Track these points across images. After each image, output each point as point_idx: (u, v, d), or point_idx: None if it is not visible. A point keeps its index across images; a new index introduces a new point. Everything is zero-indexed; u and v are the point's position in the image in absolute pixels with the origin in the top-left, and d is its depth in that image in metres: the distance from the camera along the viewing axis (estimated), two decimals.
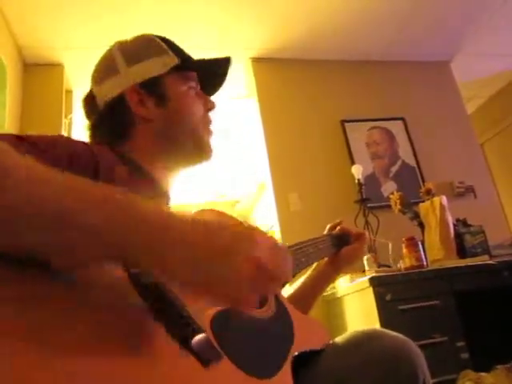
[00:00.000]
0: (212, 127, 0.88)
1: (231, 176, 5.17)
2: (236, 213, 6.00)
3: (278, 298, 0.77)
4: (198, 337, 0.44)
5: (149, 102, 0.80)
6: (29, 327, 0.36)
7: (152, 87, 0.80)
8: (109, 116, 0.80)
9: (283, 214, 2.84)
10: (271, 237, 0.51)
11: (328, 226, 1.16)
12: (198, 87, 0.88)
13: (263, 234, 0.49)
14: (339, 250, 1.08)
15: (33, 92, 2.89)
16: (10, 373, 0.33)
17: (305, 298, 1.05)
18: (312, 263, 1.02)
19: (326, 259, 1.09)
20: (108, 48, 0.87)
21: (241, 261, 0.44)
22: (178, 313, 0.45)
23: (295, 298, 1.03)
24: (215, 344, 0.49)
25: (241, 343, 0.56)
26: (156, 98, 0.80)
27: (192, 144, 0.82)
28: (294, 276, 0.93)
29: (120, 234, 0.41)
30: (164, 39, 0.86)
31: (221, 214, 0.72)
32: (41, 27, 2.67)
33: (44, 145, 0.61)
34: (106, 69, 0.83)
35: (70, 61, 2.96)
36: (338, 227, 1.14)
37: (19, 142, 0.58)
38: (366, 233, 1.13)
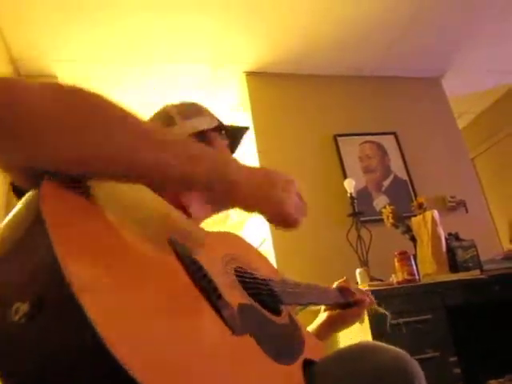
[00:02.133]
0: None
1: None
2: (228, 227, 5.99)
3: (290, 314, 0.84)
4: (230, 311, 0.55)
5: None
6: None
7: (203, 138, 0.98)
8: None
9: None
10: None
11: (336, 283, 1.21)
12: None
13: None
14: (343, 309, 1.14)
15: None
16: None
17: None
18: (317, 303, 1.11)
19: (322, 319, 1.14)
20: (161, 108, 1.05)
21: (288, 188, 0.68)
22: (214, 288, 0.55)
23: None
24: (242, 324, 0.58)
25: (261, 329, 0.64)
26: None
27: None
28: (300, 310, 1.02)
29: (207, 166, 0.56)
30: (207, 109, 1.07)
31: (244, 241, 0.98)
32: (35, 39, 2.67)
33: None
34: (164, 120, 1.00)
35: (64, 73, 2.96)
36: (342, 284, 1.20)
37: None
38: (367, 299, 1.20)
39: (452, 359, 1.92)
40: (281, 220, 0.66)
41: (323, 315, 1.15)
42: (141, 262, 0.49)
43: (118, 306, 0.39)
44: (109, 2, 2.46)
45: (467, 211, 3.17)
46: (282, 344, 0.70)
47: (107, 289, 0.40)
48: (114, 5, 2.48)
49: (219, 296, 0.55)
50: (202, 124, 1.00)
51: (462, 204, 3.17)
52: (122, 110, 0.50)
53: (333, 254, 2.70)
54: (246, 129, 1.14)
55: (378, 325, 1.90)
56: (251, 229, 5.73)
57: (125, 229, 0.51)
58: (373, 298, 1.24)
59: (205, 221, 1.01)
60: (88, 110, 0.47)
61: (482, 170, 4.28)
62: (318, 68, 3.35)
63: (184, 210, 0.89)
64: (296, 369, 0.66)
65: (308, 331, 0.88)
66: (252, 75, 3.27)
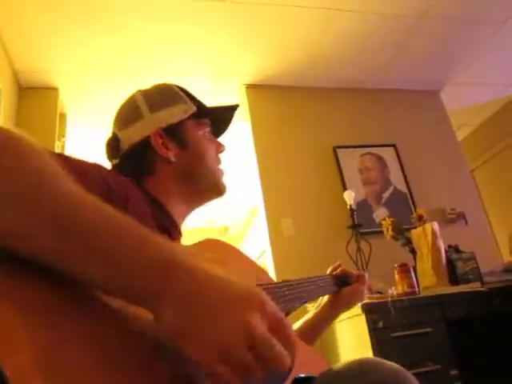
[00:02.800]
0: (222, 167, 0.97)
1: (223, 202, 5.14)
2: (227, 239, 5.97)
3: None
4: None
5: (171, 145, 0.88)
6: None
7: (174, 132, 0.89)
8: (134, 157, 0.88)
9: (276, 239, 2.83)
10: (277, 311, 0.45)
11: (330, 268, 1.22)
12: (210, 131, 0.98)
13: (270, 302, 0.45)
14: (339, 290, 1.13)
15: (27, 115, 2.91)
16: None
17: (306, 336, 1.09)
18: (312, 299, 1.06)
19: (326, 300, 1.14)
20: (130, 95, 0.95)
21: (238, 321, 0.41)
22: None
23: (298, 335, 1.05)
24: None
25: None
26: (177, 141, 0.89)
27: (209, 182, 0.92)
28: (294, 309, 0.97)
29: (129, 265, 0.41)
30: (181, 88, 0.96)
31: (229, 246, 0.80)
32: (36, 51, 2.69)
33: (81, 169, 0.64)
34: (130, 114, 0.91)
35: (65, 84, 2.99)
36: (339, 268, 1.20)
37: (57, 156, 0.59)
38: (366, 275, 1.19)
39: (453, 372, 1.90)
40: (218, 359, 0.40)
41: (323, 298, 1.15)
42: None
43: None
44: (110, 15, 2.48)
45: (467, 223, 3.17)
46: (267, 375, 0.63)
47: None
48: (115, 17, 2.51)
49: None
50: (174, 115, 0.90)
51: (461, 216, 3.17)
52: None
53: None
54: (234, 107, 1.02)
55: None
56: (250, 241, 5.72)
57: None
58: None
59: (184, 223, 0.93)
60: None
61: (482, 182, 4.29)
62: (318, 80, 3.37)
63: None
64: None
65: (302, 343, 0.83)
66: (252, 88, 3.29)
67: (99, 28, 2.56)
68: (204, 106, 0.95)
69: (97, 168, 0.71)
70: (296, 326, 1.13)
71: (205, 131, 0.95)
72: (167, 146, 0.88)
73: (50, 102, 2.99)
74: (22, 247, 0.38)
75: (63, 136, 3.07)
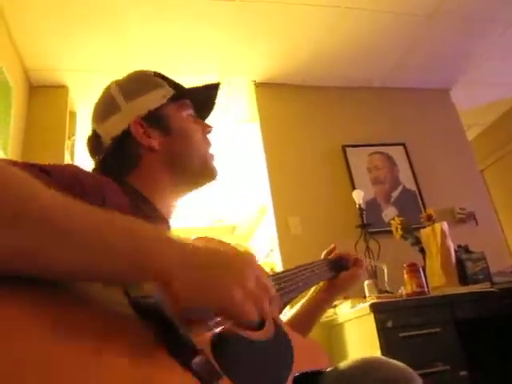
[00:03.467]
0: (212, 150, 0.93)
1: (231, 201, 5.16)
2: (235, 238, 5.98)
3: (276, 321, 0.76)
4: (199, 358, 0.45)
5: (153, 133, 0.84)
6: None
7: (154, 119, 0.85)
8: (116, 151, 0.84)
9: (284, 237, 2.83)
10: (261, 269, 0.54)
11: (324, 252, 1.17)
12: (194, 113, 0.93)
13: (255, 264, 0.53)
14: (336, 275, 1.09)
15: (37, 113, 2.93)
16: None
17: (303, 322, 1.05)
18: (309, 287, 1.02)
19: (322, 285, 1.09)
20: (105, 87, 0.91)
21: (243, 271, 0.49)
22: (178, 335, 0.45)
23: (293, 321, 1.03)
24: (215, 365, 0.49)
25: (240, 365, 0.56)
26: (159, 128, 0.85)
27: (197, 166, 0.88)
28: (291, 300, 0.94)
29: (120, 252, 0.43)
30: (157, 73, 0.92)
31: (218, 241, 0.74)
32: (47, 50, 2.71)
33: (54, 172, 0.62)
34: (106, 107, 0.87)
35: (75, 83, 3.01)
36: (335, 252, 1.15)
37: (30, 166, 0.59)
38: (364, 258, 1.14)
39: (462, 373, 1.89)
40: (226, 309, 0.48)
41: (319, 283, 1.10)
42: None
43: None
44: (119, 14, 2.49)
45: (477, 223, 3.14)
46: (265, 372, 0.61)
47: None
48: (124, 16, 2.52)
49: (183, 341, 0.46)
50: (151, 101, 0.86)
51: (471, 216, 3.15)
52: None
53: None
54: (215, 85, 0.97)
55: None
56: (258, 240, 5.73)
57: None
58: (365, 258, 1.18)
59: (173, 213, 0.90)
60: None
61: (492, 181, 4.25)
62: (327, 79, 3.36)
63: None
64: None
65: (298, 337, 0.79)
66: (261, 86, 3.28)
67: (109, 27, 2.58)
68: (183, 88, 0.91)
69: (69, 170, 0.67)
70: (290, 314, 1.08)
71: (188, 113, 0.91)
72: (149, 135, 0.84)
73: (60, 100, 3.01)
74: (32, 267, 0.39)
75: (73, 134, 3.09)
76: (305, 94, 3.36)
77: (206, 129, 0.94)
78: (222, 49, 2.90)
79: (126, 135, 0.83)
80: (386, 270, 2.13)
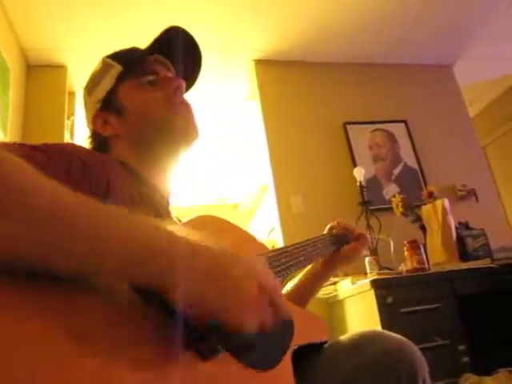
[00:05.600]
0: (184, 105, 0.84)
1: (233, 179, 5.18)
2: (237, 215, 6.00)
3: None
4: (197, 333, 0.46)
5: (111, 119, 0.82)
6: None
7: (108, 104, 0.83)
8: (95, 146, 0.85)
9: (285, 216, 2.84)
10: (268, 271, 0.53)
11: (328, 226, 1.15)
12: (163, 73, 0.86)
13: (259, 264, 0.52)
14: (338, 249, 1.08)
15: (36, 93, 2.91)
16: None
17: (301, 295, 1.05)
18: (311, 262, 1.01)
19: (322, 259, 1.08)
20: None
21: (245, 285, 0.47)
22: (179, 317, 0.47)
23: (292, 294, 1.04)
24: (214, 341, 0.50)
25: (237, 338, 0.57)
26: (115, 112, 0.82)
27: (165, 133, 0.81)
28: (293, 274, 0.93)
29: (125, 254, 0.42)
30: (114, 54, 0.87)
31: (222, 221, 0.74)
32: (44, 29, 2.68)
33: (52, 151, 0.61)
34: (83, 109, 0.90)
35: (73, 62, 2.98)
36: (338, 224, 1.14)
37: (32, 151, 0.58)
38: (367, 234, 1.13)
39: (461, 348, 1.92)
40: (229, 320, 0.45)
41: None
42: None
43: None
44: None
45: (477, 200, 3.15)
46: (264, 343, 0.58)
47: None
48: None
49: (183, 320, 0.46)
50: (105, 86, 0.83)
51: (472, 193, 3.15)
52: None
53: None
54: (168, 32, 0.86)
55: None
56: (260, 218, 5.75)
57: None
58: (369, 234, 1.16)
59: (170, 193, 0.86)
60: None
61: (493, 158, 4.24)
62: (328, 56, 3.32)
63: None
64: (282, 367, 0.62)
65: (298, 309, 0.79)
66: (261, 63, 3.25)
67: (108, 5, 2.53)
68: (132, 55, 0.86)
69: (68, 148, 0.65)
70: (287, 287, 1.07)
71: (145, 81, 0.83)
72: (108, 122, 0.82)
73: (59, 79, 2.99)
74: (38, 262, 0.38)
75: (72, 114, 3.07)
76: (305, 71, 3.33)
77: (171, 86, 0.83)
78: (222, 26, 2.86)
79: (93, 130, 0.85)
80: (392, 243, 2.12)
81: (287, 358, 0.64)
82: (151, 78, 0.83)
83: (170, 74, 0.87)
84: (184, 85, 0.85)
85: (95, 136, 0.85)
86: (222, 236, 0.74)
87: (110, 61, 0.85)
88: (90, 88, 0.86)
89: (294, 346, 0.67)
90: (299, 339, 0.70)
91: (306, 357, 0.75)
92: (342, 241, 1.09)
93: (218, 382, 0.50)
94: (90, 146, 0.86)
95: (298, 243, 0.94)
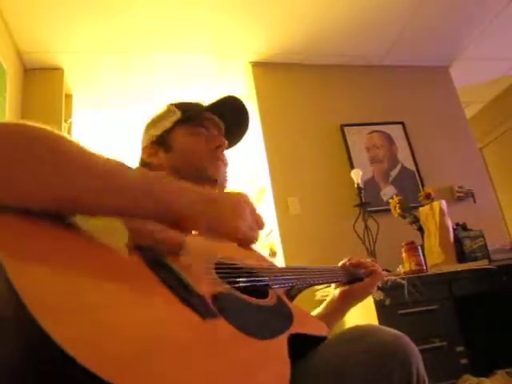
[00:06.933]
0: (222, 162, 1.05)
1: (230, 181, 5.16)
2: None
3: (279, 297, 0.81)
4: (197, 297, 0.56)
5: (160, 152, 1.03)
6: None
7: (161, 141, 1.03)
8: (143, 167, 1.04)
9: (283, 217, 2.84)
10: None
11: (340, 263, 1.19)
12: (215, 132, 1.06)
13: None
14: (351, 283, 1.12)
15: (33, 96, 2.90)
16: None
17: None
18: (319, 283, 1.08)
19: (336, 293, 1.13)
20: None
21: (234, 202, 0.68)
22: (183, 283, 0.57)
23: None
24: (212, 306, 0.58)
25: (236, 313, 0.63)
26: (164, 147, 1.03)
27: (194, 174, 0.97)
28: (299, 292, 1.01)
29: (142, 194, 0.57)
30: (179, 103, 1.08)
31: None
32: (41, 32, 2.67)
33: None
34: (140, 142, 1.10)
35: (70, 65, 2.97)
36: (350, 260, 1.18)
37: None
38: (380, 269, 1.17)
39: (459, 349, 1.92)
40: (235, 239, 0.67)
41: (334, 292, 1.14)
42: (99, 262, 0.50)
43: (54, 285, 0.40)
44: None
45: (475, 201, 3.15)
46: (261, 321, 0.68)
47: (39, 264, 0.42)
48: None
49: (186, 286, 0.57)
50: (162, 127, 1.04)
51: (469, 194, 3.15)
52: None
53: (339, 245, 2.70)
54: (227, 98, 1.07)
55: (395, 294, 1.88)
56: None
57: (92, 239, 0.52)
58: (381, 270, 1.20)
59: None
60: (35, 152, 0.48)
61: (490, 159, 4.25)
62: (325, 58, 3.32)
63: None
64: (277, 342, 0.65)
65: (300, 309, 0.84)
66: (257, 65, 3.25)
67: (103, 7, 2.53)
68: (195, 111, 1.05)
69: None
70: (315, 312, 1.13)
71: (197, 132, 1.02)
72: (156, 154, 1.02)
73: (56, 82, 2.98)
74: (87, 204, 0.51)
75: (69, 117, 3.07)
76: (302, 73, 3.33)
77: (213, 142, 1.03)
78: (218, 29, 2.86)
79: (141, 159, 1.06)
80: (406, 285, 2.11)
81: (283, 337, 0.66)
82: (203, 130, 1.03)
83: (217, 133, 1.07)
84: (226, 144, 1.06)
85: (141, 163, 1.05)
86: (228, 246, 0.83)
87: (173, 108, 1.05)
88: (150, 126, 1.07)
89: (291, 331, 0.69)
90: (298, 328, 0.72)
91: (304, 354, 0.76)
92: (355, 276, 1.13)
93: (213, 342, 0.52)
94: None
95: (307, 266, 1.04)
